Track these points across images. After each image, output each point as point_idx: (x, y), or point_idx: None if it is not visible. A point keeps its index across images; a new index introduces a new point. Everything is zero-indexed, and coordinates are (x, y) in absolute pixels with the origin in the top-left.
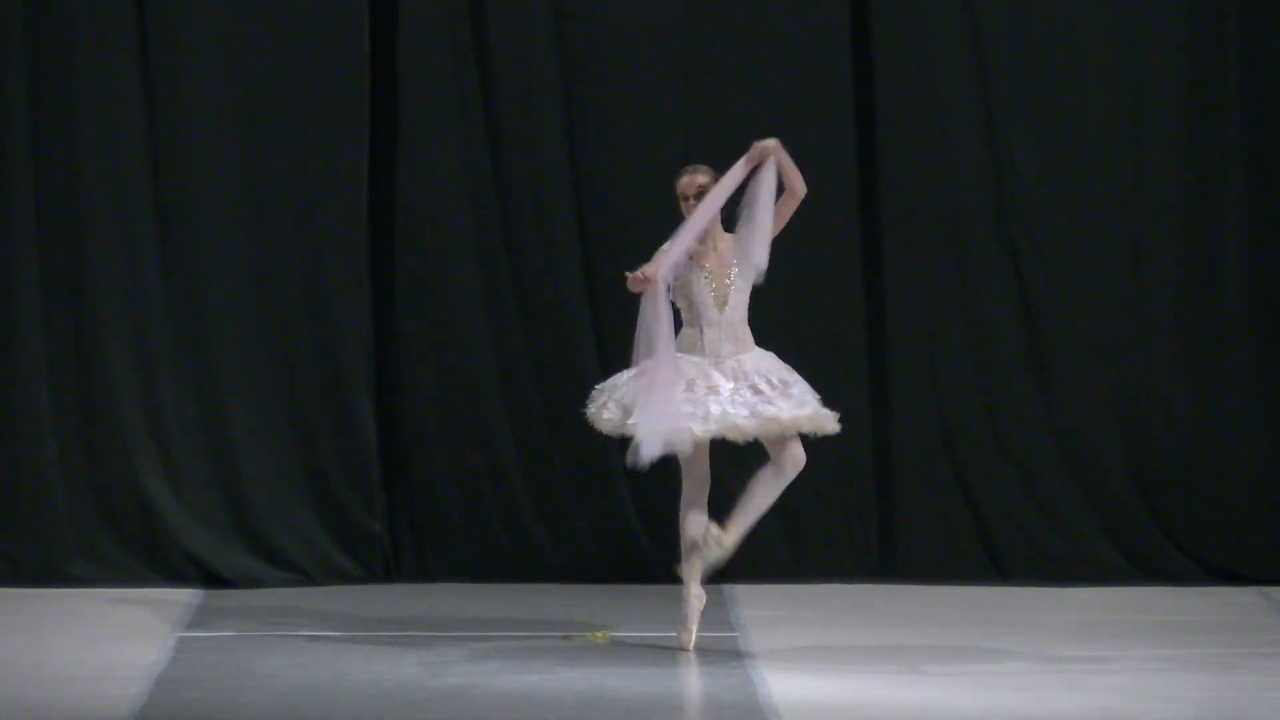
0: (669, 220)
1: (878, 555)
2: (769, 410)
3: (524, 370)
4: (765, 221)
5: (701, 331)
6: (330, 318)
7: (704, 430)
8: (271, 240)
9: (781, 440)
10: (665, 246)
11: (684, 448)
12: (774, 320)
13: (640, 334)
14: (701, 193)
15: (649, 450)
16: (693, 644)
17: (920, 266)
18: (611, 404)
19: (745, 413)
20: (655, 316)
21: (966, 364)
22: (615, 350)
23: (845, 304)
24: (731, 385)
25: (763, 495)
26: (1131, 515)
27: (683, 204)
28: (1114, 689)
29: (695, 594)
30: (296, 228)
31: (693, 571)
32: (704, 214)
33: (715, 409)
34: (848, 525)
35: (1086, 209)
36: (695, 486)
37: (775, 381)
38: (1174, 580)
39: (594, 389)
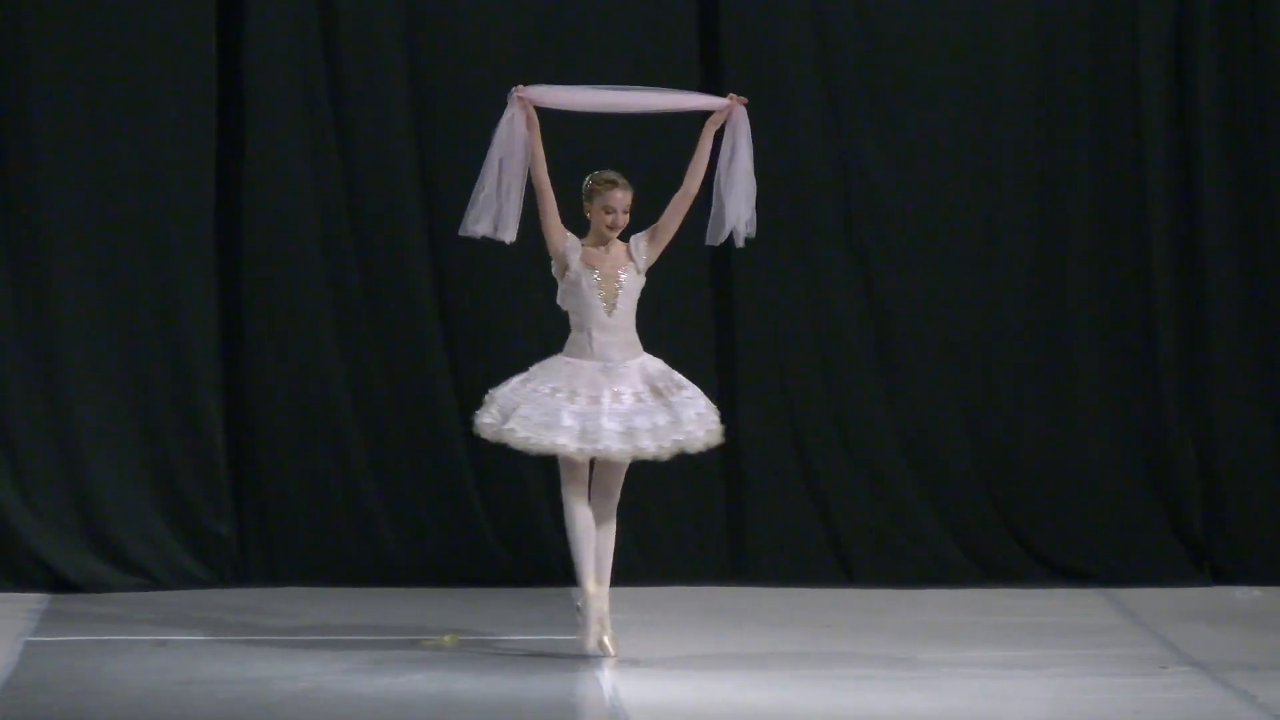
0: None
1: (726, 557)
2: (672, 437)
3: (373, 372)
4: (750, 189)
5: (590, 336)
6: (178, 320)
7: (580, 449)
8: (118, 241)
9: (609, 478)
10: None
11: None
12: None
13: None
14: (628, 210)
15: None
16: (610, 644)
17: (768, 269)
18: (493, 408)
19: (640, 430)
20: (510, 131)
21: (815, 366)
22: (465, 352)
23: (693, 306)
24: (629, 396)
25: (608, 532)
26: (979, 517)
27: (606, 215)
28: (963, 690)
29: (594, 592)
30: (143, 229)
31: (586, 569)
32: (616, 101)
33: (607, 425)
34: (696, 527)
35: (935, 211)
36: (576, 484)
37: (662, 389)
38: (1021, 581)
39: (486, 396)
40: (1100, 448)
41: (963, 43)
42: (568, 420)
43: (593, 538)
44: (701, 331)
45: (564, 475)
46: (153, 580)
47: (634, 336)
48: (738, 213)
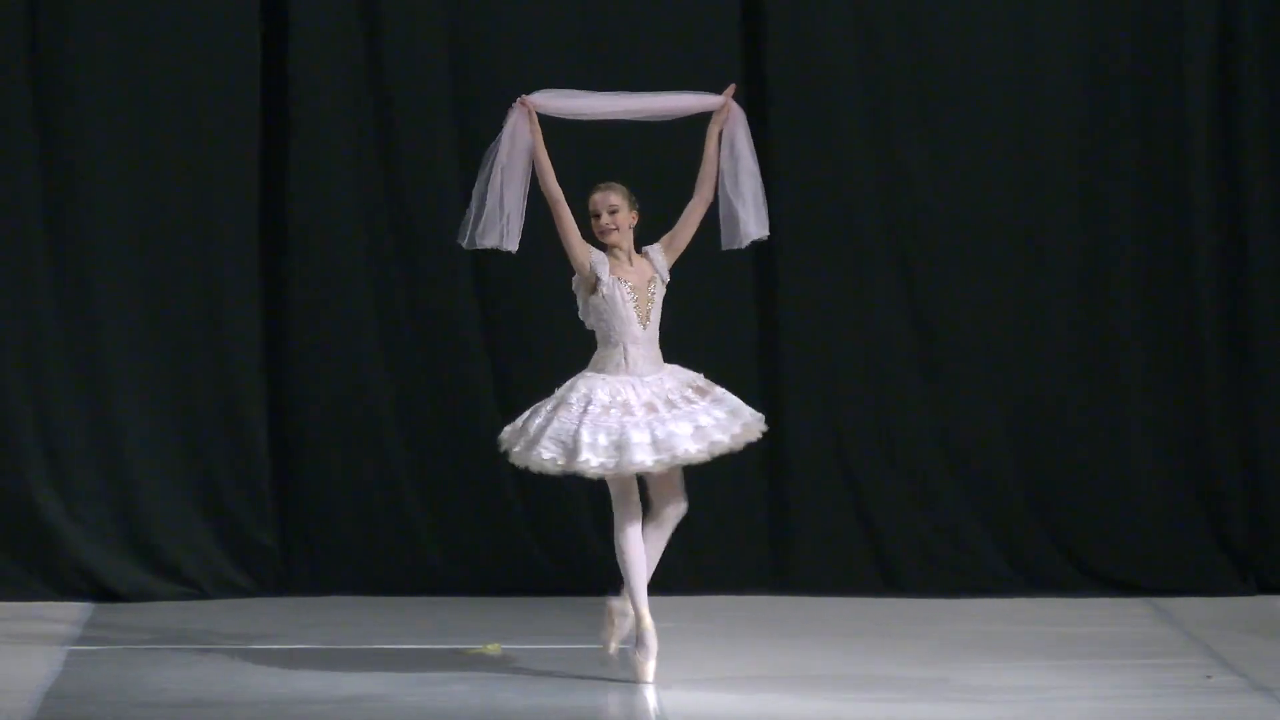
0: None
1: (770, 567)
2: (732, 430)
3: (416, 382)
4: (756, 188)
5: (625, 350)
6: (223, 331)
7: (659, 461)
8: (164, 253)
9: (669, 487)
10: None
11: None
12: (664, 331)
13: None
14: (614, 211)
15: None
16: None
17: (813, 277)
18: (547, 443)
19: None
20: (513, 140)
21: (859, 374)
22: (508, 363)
23: (738, 315)
24: (679, 398)
25: (652, 553)
26: (1022, 526)
27: (593, 221)
28: (1007, 701)
29: (650, 624)
30: (189, 240)
31: (642, 596)
32: (617, 106)
33: (676, 429)
34: (740, 536)
35: (979, 219)
36: (631, 505)
37: (703, 387)
38: (1065, 591)
39: (506, 432)
40: (1145, 457)
41: (1007, 51)
42: (637, 436)
43: (645, 563)
44: (746, 339)
45: (617, 496)
46: (196, 590)
47: (658, 349)
48: (748, 216)
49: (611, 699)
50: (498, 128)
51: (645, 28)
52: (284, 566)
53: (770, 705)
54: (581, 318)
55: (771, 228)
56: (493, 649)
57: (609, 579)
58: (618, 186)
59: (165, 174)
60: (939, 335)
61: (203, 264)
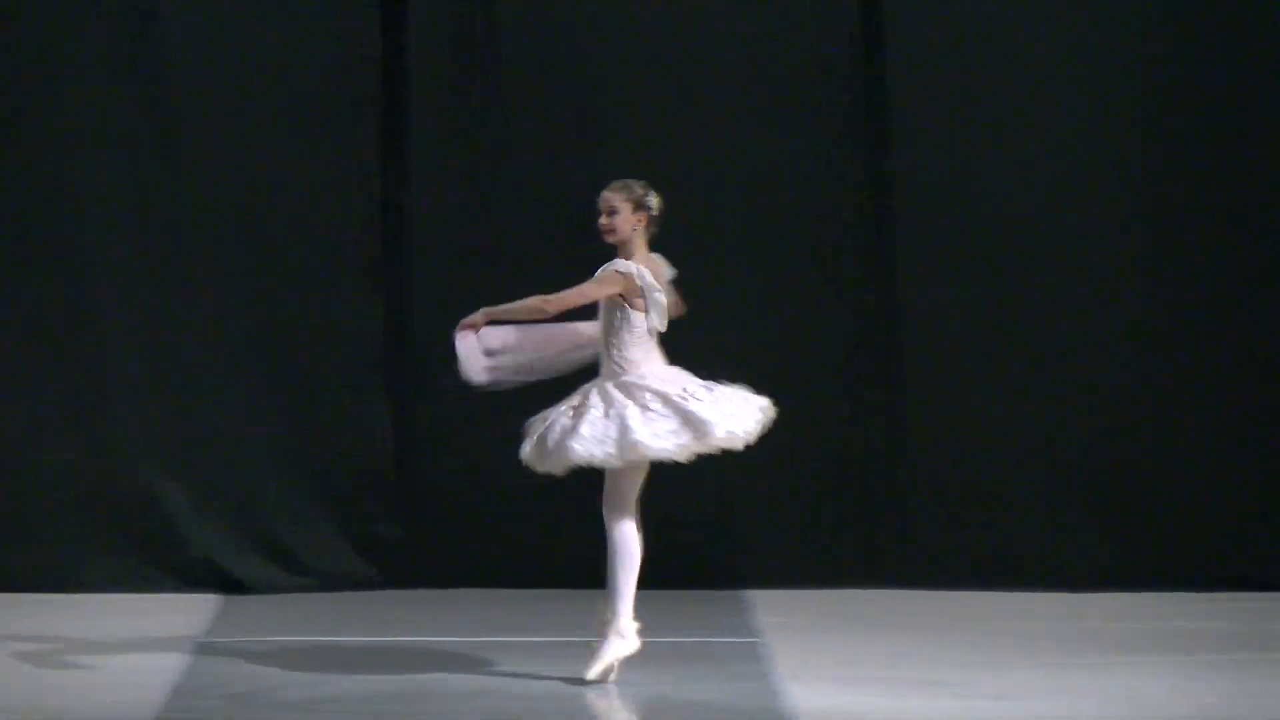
0: (692, 218)
1: (894, 561)
2: (755, 416)
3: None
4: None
5: (656, 348)
6: (345, 321)
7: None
8: (285, 241)
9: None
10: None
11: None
12: (787, 321)
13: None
14: (612, 213)
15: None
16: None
17: (935, 270)
18: (670, 426)
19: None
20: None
21: (981, 368)
22: None
23: (858, 308)
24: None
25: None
26: (1145, 520)
27: (600, 219)
28: (1130, 696)
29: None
30: (310, 228)
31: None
32: (531, 332)
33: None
34: (864, 531)
35: (1096, 211)
36: (631, 500)
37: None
38: (1188, 586)
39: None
40: (1264, 450)
41: (1130, 41)
42: (712, 414)
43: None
44: (867, 333)
45: (624, 488)
46: (322, 582)
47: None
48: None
49: (740, 693)
50: (609, 118)
51: (765, 20)
52: (409, 559)
53: (892, 699)
54: (614, 338)
55: (892, 217)
56: None
57: (729, 573)
58: (624, 187)
59: (283, 160)
60: (1059, 328)
61: (324, 254)
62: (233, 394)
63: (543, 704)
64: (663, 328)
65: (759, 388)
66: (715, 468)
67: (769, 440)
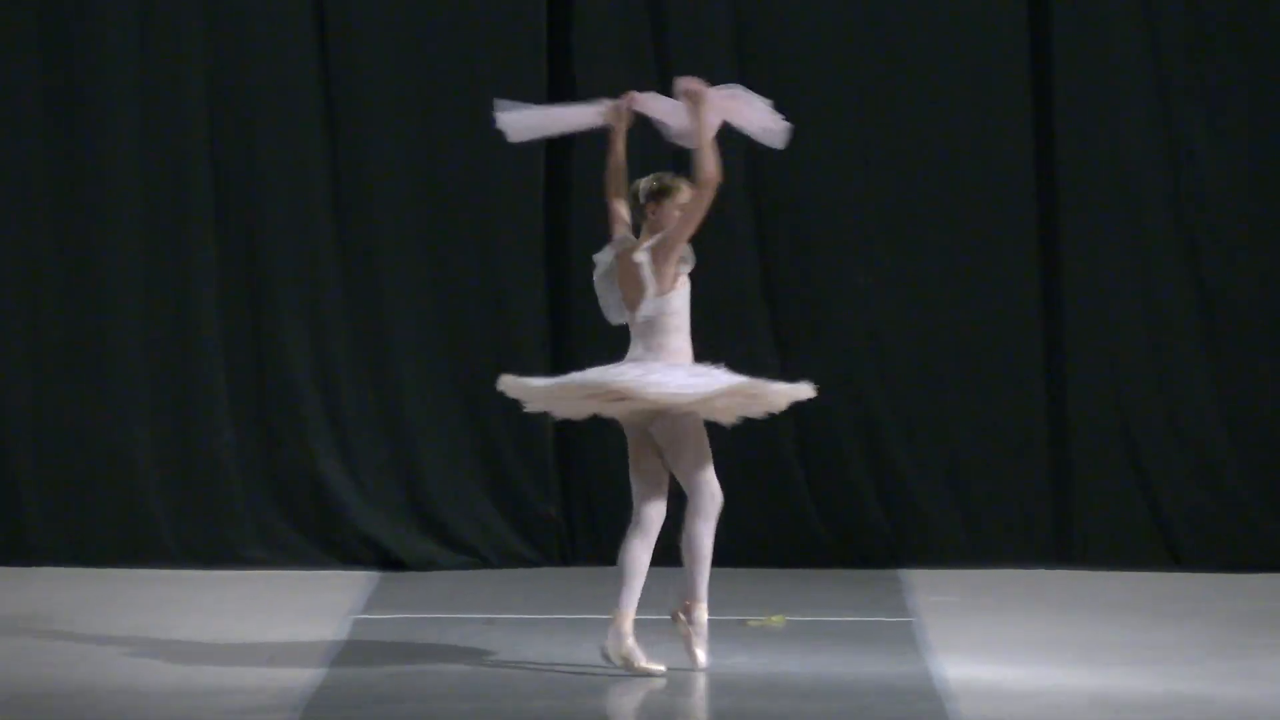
0: (867, 202)
1: (1053, 540)
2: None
3: (698, 355)
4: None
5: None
6: (506, 303)
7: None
8: (448, 226)
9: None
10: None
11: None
12: (951, 304)
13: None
14: (659, 194)
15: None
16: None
17: (1097, 251)
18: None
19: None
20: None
21: (1142, 348)
22: (791, 335)
23: (1022, 289)
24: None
25: (702, 546)
26: None
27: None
28: None
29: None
30: (473, 214)
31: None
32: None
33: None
34: (1022, 510)
35: (1263, 194)
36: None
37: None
38: None
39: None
40: None
41: None
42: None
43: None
44: (1030, 315)
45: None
46: (480, 560)
47: None
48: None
49: (896, 671)
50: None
51: (935, 10)
52: (567, 537)
53: (1050, 678)
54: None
55: (1056, 202)
56: (777, 620)
57: (890, 552)
58: (666, 176)
59: (449, 149)
60: (1222, 307)
61: (487, 238)
62: (393, 372)
63: (714, 684)
64: (614, 321)
65: (942, 368)
66: (877, 450)
67: (940, 421)
